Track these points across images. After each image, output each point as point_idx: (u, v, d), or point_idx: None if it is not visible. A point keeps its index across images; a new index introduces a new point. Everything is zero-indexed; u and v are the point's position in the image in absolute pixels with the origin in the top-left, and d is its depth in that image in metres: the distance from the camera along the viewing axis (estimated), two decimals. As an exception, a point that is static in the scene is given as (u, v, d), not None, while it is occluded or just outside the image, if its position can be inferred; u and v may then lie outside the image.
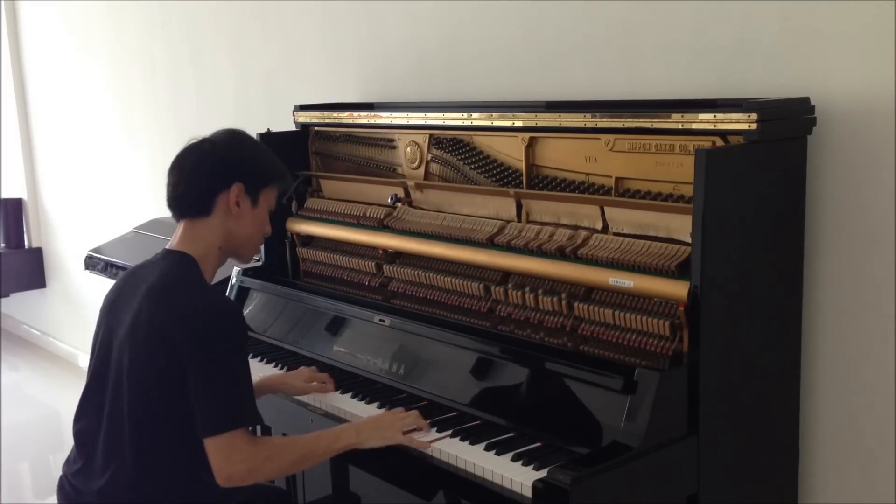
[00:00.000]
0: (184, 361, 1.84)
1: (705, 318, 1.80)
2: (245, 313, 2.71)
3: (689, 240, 1.87)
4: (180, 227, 2.04)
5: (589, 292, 2.08)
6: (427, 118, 2.49)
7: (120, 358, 1.92)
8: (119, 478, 1.91)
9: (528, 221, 2.26)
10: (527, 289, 2.19)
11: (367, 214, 2.63)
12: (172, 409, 1.87)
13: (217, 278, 2.34)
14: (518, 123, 2.25)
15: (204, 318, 1.87)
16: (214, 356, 1.86)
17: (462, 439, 1.95)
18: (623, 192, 2.09)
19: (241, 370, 1.90)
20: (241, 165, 2.03)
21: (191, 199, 2.01)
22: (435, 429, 2.01)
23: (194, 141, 2.05)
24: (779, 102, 1.92)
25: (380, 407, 2.17)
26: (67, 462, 2.06)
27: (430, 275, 2.43)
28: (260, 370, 2.49)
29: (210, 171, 2.01)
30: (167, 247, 2.04)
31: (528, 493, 1.70)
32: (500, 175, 2.37)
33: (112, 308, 2.02)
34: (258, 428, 2.21)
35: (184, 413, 1.86)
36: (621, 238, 2.03)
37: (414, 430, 2.00)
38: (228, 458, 1.84)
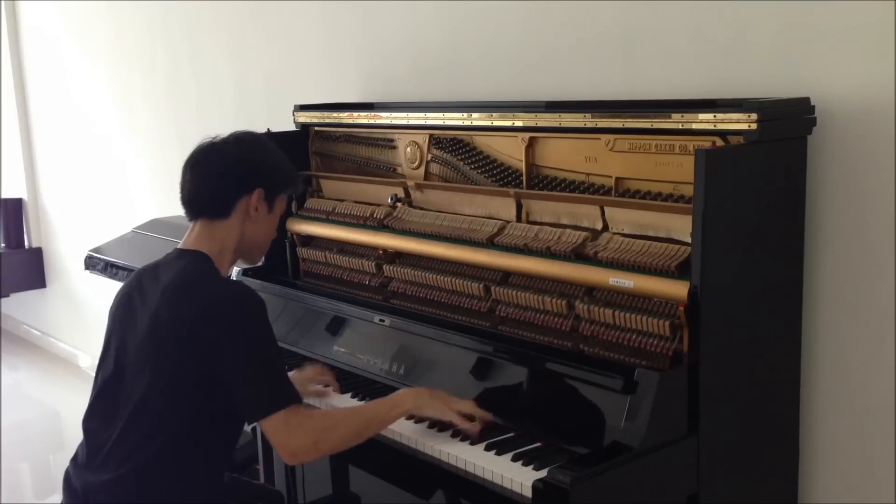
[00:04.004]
0: (210, 357, 1.84)
1: (705, 318, 1.80)
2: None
3: (689, 240, 1.87)
4: (195, 227, 2.04)
5: (589, 292, 2.08)
6: (427, 118, 2.49)
7: (138, 358, 1.92)
8: (129, 477, 1.90)
9: (528, 221, 2.26)
10: (527, 289, 2.19)
11: (367, 214, 2.63)
12: (191, 407, 1.87)
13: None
14: (518, 123, 2.25)
15: (230, 308, 1.88)
16: (249, 342, 1.86)
17: (462, 439, 1.95)
18: (623, 192, 2.09)
19: (277, 351, 1.93)
20: (264, 171, 2.05)
21: (212, 200, 2.02)
22: (426, 424, 2.01)
23: (213, 140, 2.05)
24: (779, 102, 1.92)
25: (380, 407, 2.17)
26: (74, 460, 2.05)
27: (430, 275, 2.43)
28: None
29: (235, 175, 2.02)
30: (180, 246, 2.04)
31: (528, 493, 1.71)
32: (500, 175, 2.37)
33: (125, 309, 2.01)
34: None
35: (201, 412, 1.86)
36: (621, 238, 2.03)
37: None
38: (290, 433, 1.85)
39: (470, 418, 1.96)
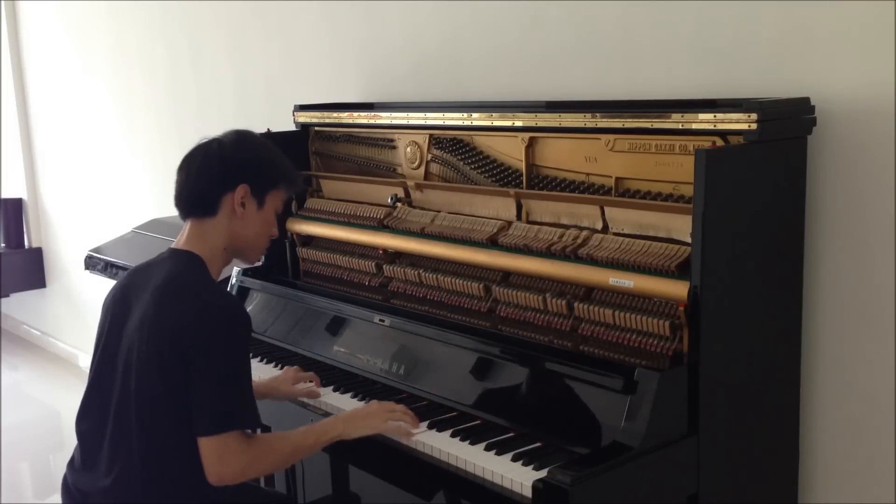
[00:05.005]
0: (186, 361, 1.84)
1: (705, 318, 1.80)
2: (245, 313, 2.71)
3: (689, 240, 1.87)
4: (186, 227, 2.04)
5: (589, 292, 2.08)
6: (427, 118, 2.49)
7: (127, 357, 1.92)
8: (125, 478, 1.90)
9: (528, 221, 2.26)
10: (527, 289, 2.19)
11: (367, 214, 2.63)
12: (180, 408, 1.86)
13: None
14: (518, 123, 2.25)
15: (210, 318, 1.87)
16: (217, 356, 1.86)
17: (462, 439, 1.95)
18: (623, 192, 2.09)
19: (243, 371, 1.91)
20: (247, 167, 2.03)
21: (197, 198, 2.01)
22: (426, 424, 2.02)
23: (203, 141, 2.05)
24: (779, 102, 1.92)
25: (380, 407, 2.17)
26: (71, 463, 2.05)
27: (430, 275, 2.43)
28: (260, 370, 2.49)
29: (216, 172, 2.00)
30: (173, 246, 2.04)
31: (528, 493, 1.71)
32: (500, 175, 2.37)
33: (116, 307, 2.01)
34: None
35: (190, 413, 1.86)
36: (621, 238, 2.03)
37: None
38: (221, 458, 1.85)
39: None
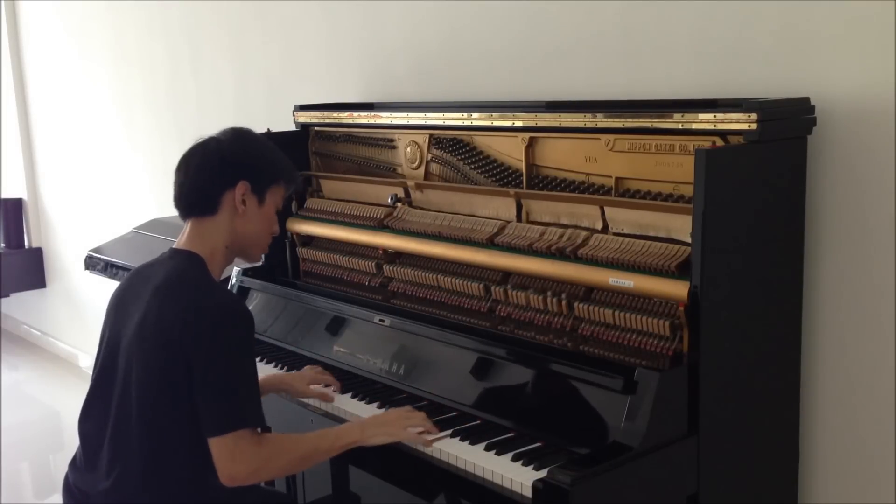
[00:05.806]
0: (191, 360, 1.84)
1: (705, 318, 1.80)
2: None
3: (689, 240, 1.87)
4: (187, 227, 2.03)
5: (589, 292, 2.08)
6: (427, 118, 2.49)
7: (128, 358, 1.92)
8: (125, 479, 1.90)
9: (528, 221, 2.26)
10: (527, 289, 2.19)
11: (367, 214, 2.63)
12: (181, 409, 1.86)
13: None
14: (518, 123, 2.25)
15: (212, 317, 1.86)
16: (222, 355, 1.85)
17: (462, 439, 1.95)
18: (623, 192, 2.09)
19: (249, 370, 1.90)
20: (247, 163, 2.02)
21: (197, 197, 2.01)
22: (439, 429, 2.01)
23: (201, 140, 2.05)
24: (779, 102, 1.92)
25: (380, 407, 2.17)
26: (73, 462, 2.05)
27: (430, 275, 2.43)
28: (260, 370, 2.47)
29: (215, 170, 2.00)
30: (174, 246, 2.04)
31: (528, 493, 1.71)
32: (500, 175, 2.37)
33: (118, 308, 2.01)
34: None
35: (192, 413, 1.85)
36: (621, 238, 2.03)
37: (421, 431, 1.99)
38: (233, 457, 1.84)
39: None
